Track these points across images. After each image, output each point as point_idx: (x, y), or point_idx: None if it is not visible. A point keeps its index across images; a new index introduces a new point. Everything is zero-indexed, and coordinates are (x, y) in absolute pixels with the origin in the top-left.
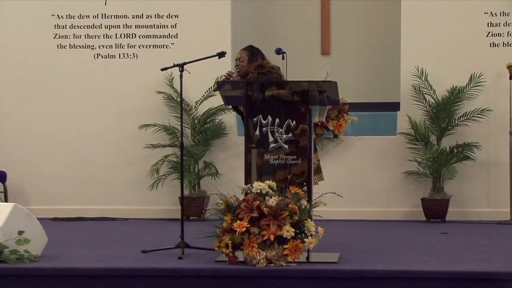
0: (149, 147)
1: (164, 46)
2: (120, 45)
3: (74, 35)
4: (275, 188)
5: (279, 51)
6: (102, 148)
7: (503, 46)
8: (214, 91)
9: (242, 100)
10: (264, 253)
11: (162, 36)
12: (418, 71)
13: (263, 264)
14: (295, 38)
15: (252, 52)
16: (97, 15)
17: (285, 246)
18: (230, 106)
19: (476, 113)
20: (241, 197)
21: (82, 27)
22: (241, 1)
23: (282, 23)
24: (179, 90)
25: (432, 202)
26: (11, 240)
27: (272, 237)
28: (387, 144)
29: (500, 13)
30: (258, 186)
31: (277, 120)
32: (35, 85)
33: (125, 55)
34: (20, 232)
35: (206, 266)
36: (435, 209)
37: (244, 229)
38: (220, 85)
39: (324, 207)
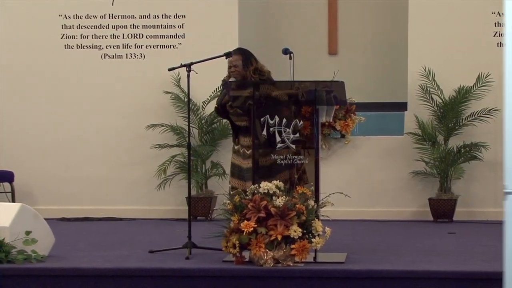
0: (156, 147)
1: (171, 46)
2: (127, 45)
3: (81, 35)
4: (282, 188)
5: (286, 51)
6: (109, 148)
7: None
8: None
9: (248, 101)
10: (271, 253)
11: (169, 36)
12: (426, 71)
13: (270, 264)
14: (302, 38)
15: (245, 56)
16: (104, 15)
17: (292, 246)
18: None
19: (484, 113)
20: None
21: (89, 27)
22: (248, 1)
23: (289, 23)
24: (186, 90)
25: (439, 202)
26: (19, 240)
27: (279, 237)
28: (394, 144)
29: None
30: (265, 186)
31: (284, 120)
32: (42, 85)
33: (132, 55)
34: (28, 232)
35: (213, 266)
36: (442, 209)
37: (252, 229)
38: (227, 85)
39: (331, 207)
